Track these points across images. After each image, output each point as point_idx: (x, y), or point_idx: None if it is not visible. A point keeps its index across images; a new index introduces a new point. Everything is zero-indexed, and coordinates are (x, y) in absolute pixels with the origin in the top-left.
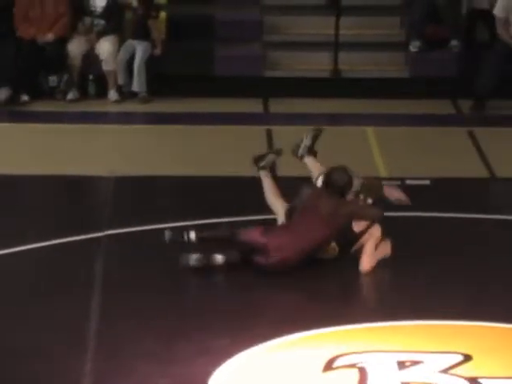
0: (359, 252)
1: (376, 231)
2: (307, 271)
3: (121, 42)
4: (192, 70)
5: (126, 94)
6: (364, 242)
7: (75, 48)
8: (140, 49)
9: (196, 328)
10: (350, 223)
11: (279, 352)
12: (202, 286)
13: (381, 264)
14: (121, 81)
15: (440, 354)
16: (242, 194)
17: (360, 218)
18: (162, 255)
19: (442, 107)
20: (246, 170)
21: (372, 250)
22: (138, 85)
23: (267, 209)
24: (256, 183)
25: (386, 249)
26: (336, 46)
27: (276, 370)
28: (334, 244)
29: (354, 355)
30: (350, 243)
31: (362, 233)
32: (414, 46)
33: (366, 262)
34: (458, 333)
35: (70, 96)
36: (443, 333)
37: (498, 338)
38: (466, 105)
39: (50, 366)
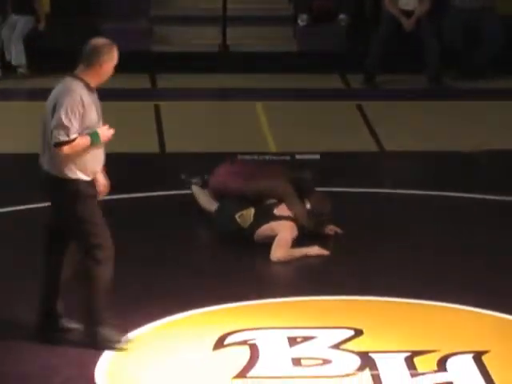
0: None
1: (287, 228)
2: (212, 250)
3: (4, 17)
4: (77, 45)
5: (11, 70)
6: (271, 229)
7: None
8: (21, 22)
9: None
10: (267, 197)
11: (168, 331)
12: None
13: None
14: (8, 56)
15: (331, 329)
16: (134, 171)
17: (275, 194)
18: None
19: (331, 81)
20: (134, 146)
21: (285, 242)
22: (15, 58)
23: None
24: (142, 160)
25: (309, 251)
26: (224, 20)
27: (165, 349)
28: (252, 211)
29: (245, 332)
30: (264, 217)
31: (277, 218)
32: (301, 20)
33: (275, 252)
34: (351, 308)
35: None
36: (335, 308)
37: (389, 312)
38: (354, 79)
39: None
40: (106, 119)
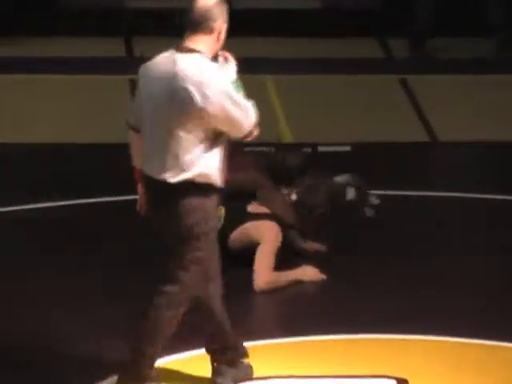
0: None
1: (270, 230)
2: None
3: None
4: (29, 2)
5: None
6: (247, 233)
7: None
8: None
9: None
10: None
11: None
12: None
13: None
14: None
15: (365, 378)
16: (102, 166)
17: (245, 188)
18: None
19: (366, 48)
20: (103, 134)
21: (267, 262)
22: None
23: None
24: (117, 152)
25: (302, 274)
26: None
27: None
28: (222, 211)
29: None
30: (237, 217)
31: (252, 217)
32: None
33: (259, 278)
34: (387, 349)
35: None
36: (364, 350)
37: (436, 354)
38: (397, 45)
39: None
40: (64, 99)
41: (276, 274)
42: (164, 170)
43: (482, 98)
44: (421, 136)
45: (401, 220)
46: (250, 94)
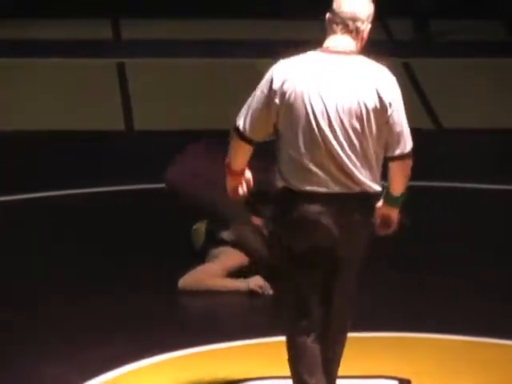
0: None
1: (232, 260)
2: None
3: None
4: None
5: None
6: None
7: None
8: None
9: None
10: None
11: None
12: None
13: None
14: None
15: (366, 379)
16: (93, 155)
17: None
18: None
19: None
20: (90, 121)
21: (211, 271)
22: None
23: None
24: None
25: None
26: None
27: None
28: (203, 227)
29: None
30: (213, 238)
31: (224, 243)
32: None
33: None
34: (391, 349)
35: None
36: (368, 349)
37: (442, 353)
38: (399, 27)
39: None
40: (52, 84)
41: (214, 280)
42: (356, 182)
43: (491, 83)
44: (425, 123)
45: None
46: (244, 78)
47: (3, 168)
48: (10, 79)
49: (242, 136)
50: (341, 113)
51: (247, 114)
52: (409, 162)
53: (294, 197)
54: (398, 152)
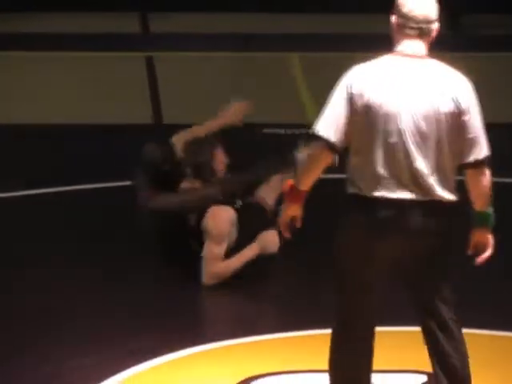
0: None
1: (211, 219)
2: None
3: None
4: None
5: None
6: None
7: None
8: None
9: (48, 339)
10: None
11: (168, 374)
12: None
13: None
14: None
15: (394, 373)
16: (120, 149)
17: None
18: None
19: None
20: (118, 114)
21: (212, 254)
22: None
23: None
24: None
25: (263, 245)
26: None
27: None
28: None
29: (274, 377)
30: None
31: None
32: None
33: (206, 273)
34: (418, 343)
35: None
36: (396, 343)
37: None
38: None
39: None
40: (76, 78)
41: (225, 263)
42: (434, 188)
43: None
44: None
45: None
46: (273, 72)
47: (42, 160)
48: (40, 71)
49: (330, 145)
50: (417, 118)
51: (330, 121)
52: (486, 171)
53: (367, 203)
54: (472, 158)
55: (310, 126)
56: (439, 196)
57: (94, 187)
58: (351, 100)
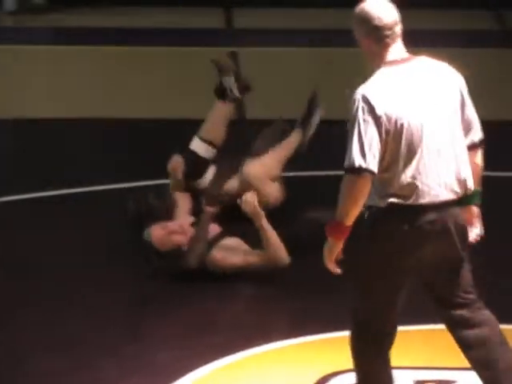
0: None
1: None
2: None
3: None
4: None
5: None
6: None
7: None
8: None
9: (134, 336)
10: None
11: (248, 369)
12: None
13: None
14: None
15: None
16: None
17: None
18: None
19: (478, 20)
20: (198, 110)
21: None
22: None
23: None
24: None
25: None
26: None
27: None
28: None
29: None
30: None
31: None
32: None
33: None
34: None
35: None
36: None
37: None
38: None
39: None
40: (161, 73)
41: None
42: (467, 182)
43: None
44: None
45: None
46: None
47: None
48: (117, 66)
49: (370, 173)
50: (440, 119)
51: (366, 150)
52: (480, 152)
53: (409, 211)
54: (469, 140)
55: None
56: (470, 188)
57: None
58: (379, 122)
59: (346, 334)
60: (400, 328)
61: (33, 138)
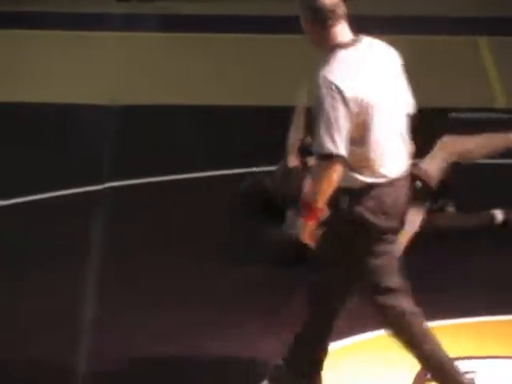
0: None
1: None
2: None
3: None
4: None
5: None
6: None
7: None
8: None
9: (224, 315)
10: None
11: (344, 359)
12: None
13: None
14: None
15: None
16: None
17: None
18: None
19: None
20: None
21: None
22: None
23: None
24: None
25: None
26: None
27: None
28: None
29: (459, 362)
30: None
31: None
32: None
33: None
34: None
35: None
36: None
37: None
38: None
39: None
40: (265, 57)
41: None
42: (406, 162)
43: None
44: None
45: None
46: (458, 57)
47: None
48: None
49: (342, 158)
50: (396, 96)
51: (335, 135)
52: None
53: (379, 190)
54: (414, 110)
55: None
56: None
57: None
58: (347, 106)
59: (446, 323)
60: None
61: (141, 124)
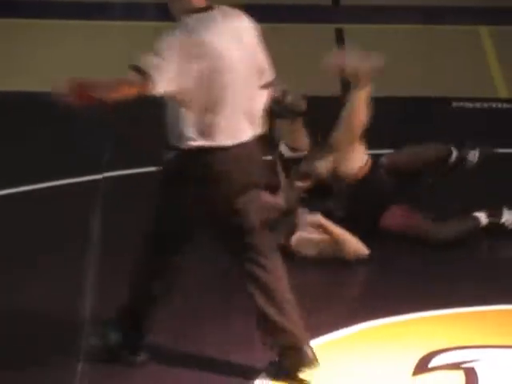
0: None
1: None
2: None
3: None
4: None
5: None
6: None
7: None
8: None
9: (223, 305)
10: None
11: (349, 347)
12: None
13: None
14: None
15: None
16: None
17: None
18: None
19: None
20: (309, 86)
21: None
22: None
23: None
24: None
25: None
26: None
27: (348, 372)
28: None
29: (459, 351)
30: None
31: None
32: None
33: None
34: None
35: None
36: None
37: None
38: None
39: (43, 336)
40: (275, 49)
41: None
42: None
43: None
44: None
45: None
46: (461, 46)
47: None
48: None
49: (155, 90)
50: (245, 60)
51: (164, 69)
52: None
53: (217, 152)
54: (272, 77)
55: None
56: (260, 125)
57: None
58: (187, 48)
59: (448, 312)
60: (418, 314)
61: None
